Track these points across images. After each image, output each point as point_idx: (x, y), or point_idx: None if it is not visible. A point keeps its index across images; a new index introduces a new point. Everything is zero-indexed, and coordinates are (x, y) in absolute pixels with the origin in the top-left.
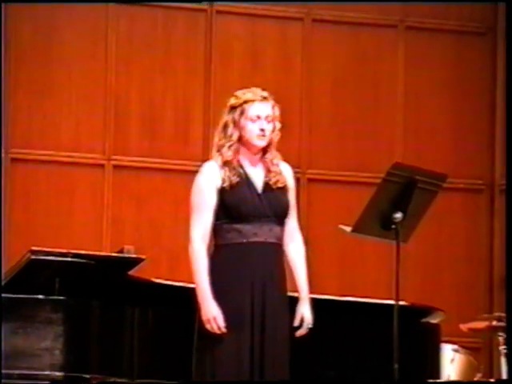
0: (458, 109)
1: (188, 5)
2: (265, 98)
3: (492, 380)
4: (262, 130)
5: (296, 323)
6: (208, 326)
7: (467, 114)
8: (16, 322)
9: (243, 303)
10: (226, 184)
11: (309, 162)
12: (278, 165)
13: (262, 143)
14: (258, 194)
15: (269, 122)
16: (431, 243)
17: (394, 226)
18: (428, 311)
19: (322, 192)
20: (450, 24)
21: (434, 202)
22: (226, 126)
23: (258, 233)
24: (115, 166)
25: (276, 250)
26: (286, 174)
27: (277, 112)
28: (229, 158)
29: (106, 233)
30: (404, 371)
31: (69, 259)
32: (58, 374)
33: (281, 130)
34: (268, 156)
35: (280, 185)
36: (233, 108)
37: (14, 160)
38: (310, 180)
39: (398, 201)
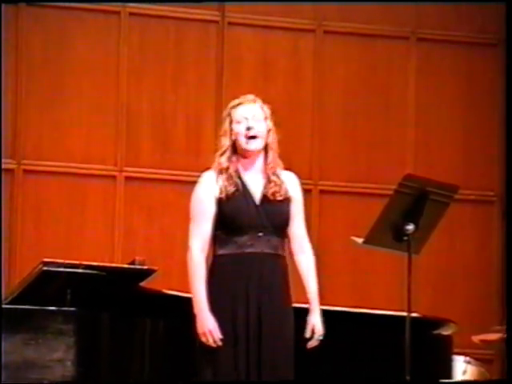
0: (469, 120)
1: (199, 16)
2: (251, 101)
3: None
4: (249, 128)
5: (307, 334)
6: (203, 339)
7: (478, 125)
8: (27, 333)
9: (237, 315)
10: (223, 194)
11: (320, 173)
12: (279, 175)
13: (252, 146)
14: (256, 205)
15: (258, 121)
16: (443, 255)
17: (405, 238)
18: (440, 323)
19: (334, 203)
20: (461, 35)
21: (446, 214)
22: (219, 137)
23: (254, 244)
24: (127, 178)
25: (274, 261)
26: (289, 183)
27: (267, 112)
28: (223, 166)
29: (118, 244)
30: (416, 383)
31: (80, 271)
32: None
33: (291, 139)
34: (269, 165)
35: (279, 197)
36: (223, 119)
37: (25, 171)
38: (322, 191)
39: (409, 212)
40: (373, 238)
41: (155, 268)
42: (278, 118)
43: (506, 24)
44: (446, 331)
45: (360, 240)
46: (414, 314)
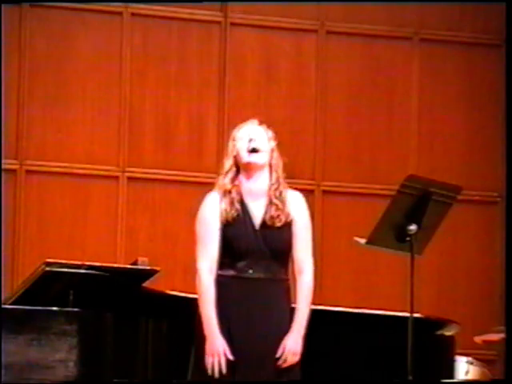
0: (472, 120)
1: (202, 17)
2: (254, 123)
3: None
4: (251, 140)
5: (278, 354)
6: (209, 360)
7: (482, 126)
8: (30, 333)
9: (229, 336)
10: (224, 218)
11: (323, 173)
12: (283, 197)
13: (254, 159)
14: (255, 231)
15: (261, 138)
16: (446, 255)
17: (408, 238)
18: (442, 323)
19: (337, 204)
20: (464, 36)
21: (449, 214)
22: (223, 160)
23: (252, 269)
24: (129, 178)
25: (272, 286)
26: (294, 204)
27: (270, 134)
28: (226, 187)
29: (120, 245)
30: (418, 383)
31: (83, 271)
32: None
33: (294, 139)
34: (273, 186)
35: (278, 223)
36: (228, 142)
37: (28, 172)
38: (325, 192)
39: (412, 213)
40: (375, 238)
41: (158, 268)
42: (281, 119)
43: (506, 24)
44: (448, 332)
45: (363, 240)
46: (416, 315)
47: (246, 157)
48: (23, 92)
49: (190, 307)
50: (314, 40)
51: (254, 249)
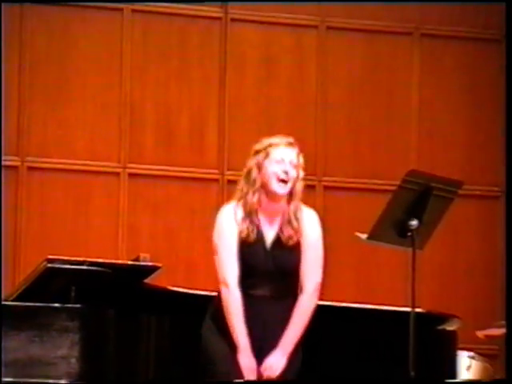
0: (473, 115)
1: (203, 13)
2: (290, 144)
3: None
4: (286, 172)
5: (261, 369)
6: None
7: (482, 121)
8: (32, 330)
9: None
10: (241, 237)
11: (324, 169)
12: (299, 219)
13: (282, 190)
14: (266, 250)
15: (293, 166)
16: (447, 250)
17: (409, 234)
18: (444, 318)
19: (338, 199)
20: (465, 31)
21: (450, 209)
22: (249, 171)
23: (261, 287)
24: (131, 175)
25: (279, 305)
26: (307, 224)
27: (301, 160)
28: (254, 207)
29: (122, 241)
30: (420, 378)
31: (85, 267)
32: (74, 382)
33: (295, 135)
34: (291, 207)
35: (291, 242)
36: (257, 152)
37: (30, 168)
38: (326, 187)
39: (413, 208)
40: (377, 233)
41: (159, 265)
42: (282, 115)
43: (506, 19)
44: (450, 326)
45: (364, 236)
46: (418, 310)
47: (274, 186)
48: (24, 89)
49: (192, 303)
50: (314, 36)
51: (263, 268)
